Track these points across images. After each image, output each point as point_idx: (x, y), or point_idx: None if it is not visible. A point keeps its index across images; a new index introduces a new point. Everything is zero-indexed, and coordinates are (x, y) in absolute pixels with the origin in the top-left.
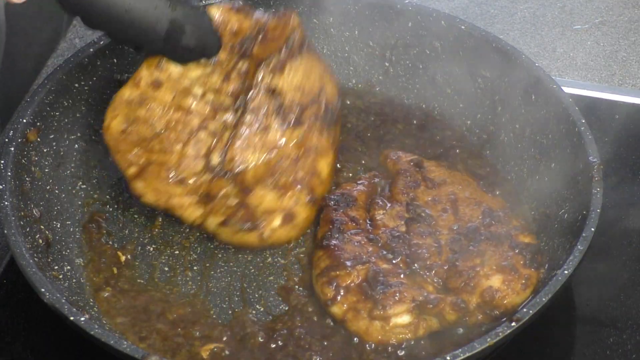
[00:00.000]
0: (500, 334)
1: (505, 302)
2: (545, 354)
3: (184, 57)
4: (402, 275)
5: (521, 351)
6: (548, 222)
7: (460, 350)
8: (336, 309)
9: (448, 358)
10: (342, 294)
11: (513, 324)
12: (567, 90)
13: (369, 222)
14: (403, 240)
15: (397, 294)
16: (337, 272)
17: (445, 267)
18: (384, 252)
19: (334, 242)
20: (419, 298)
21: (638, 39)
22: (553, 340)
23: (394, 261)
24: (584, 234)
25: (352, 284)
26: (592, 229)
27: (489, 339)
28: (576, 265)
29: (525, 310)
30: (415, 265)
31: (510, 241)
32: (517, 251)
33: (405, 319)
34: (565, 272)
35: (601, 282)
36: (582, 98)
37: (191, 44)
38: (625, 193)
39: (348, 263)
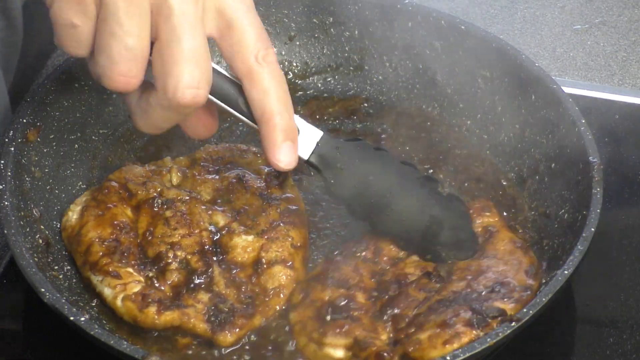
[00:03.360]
0: (500, 334)
1: None
2: (544, 354)
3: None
4: (367, 314)
5: (521, 351)
6: (548, 222)
7: (460, 350)
8: (293, 315)
9: (448, 358)
10: (306, 303)
11: (513, 324)
12: (567, 90)
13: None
14: (399, 286)
15: (345, 327)
16: (316, 285)
17: (407, 320)
18: (373, 288)
19: (339, 257)
20: (360, 338)
21: (638, 39)
22: (553, 340)
23: (372, 299)
24: (584, 234)
25: (319, 301)
26: (592, 229)
27: (489, 339)
28: (576, 265)
29: (525, 310)
30: (389, 311)
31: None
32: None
33: (338, 353)
34: (565, 272)
35: (601, 282)
36: (582, 98)
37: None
38: (625, 193)
39: (329, 281)
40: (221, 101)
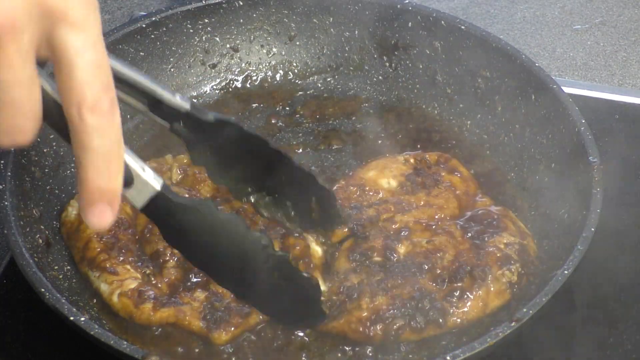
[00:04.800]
0: (500, 334)
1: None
2: (544, 354)
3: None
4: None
5: (522, 351)
6: (548, 222)
7: (460, 350)
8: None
9: (448, 358)
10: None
11: (513, 324)
12: (567, 90)
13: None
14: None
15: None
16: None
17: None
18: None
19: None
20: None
21: (638, 39)
22: (553, 340)
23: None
24: (584, 234)
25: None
26: (592, 229)
27: (488, 339)
28: (576, 265)
29: (525, 310)
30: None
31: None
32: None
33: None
34: (566, 272)
35: (601, 282)
36: (582, 98)
37: None
38: (625, 193)
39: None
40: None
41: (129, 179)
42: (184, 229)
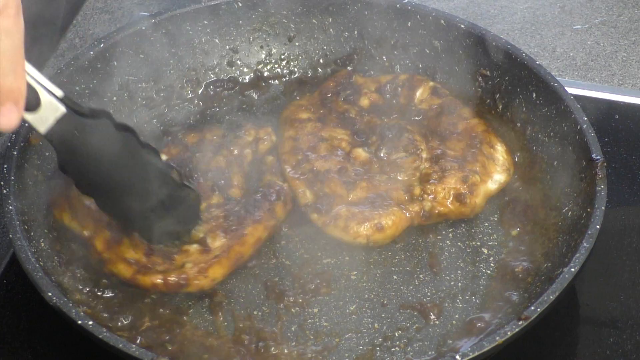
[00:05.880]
0: (509, 332)
1: None
2: (545, 354)
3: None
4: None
5: (522, 351)
6: (552, 220)
7: (469, 349)
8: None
9: (457, 357)
10: None
11: (521, 322)
12: (567, 90)
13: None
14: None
15: None
16: None
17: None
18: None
19: None
20: None
21: (638, 39)
22: (553, 340)
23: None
24: (589, 232)
25: None
26: (598, 226)
27: (497, 338)
28: (582, 263)
29: (532, 308)
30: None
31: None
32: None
33: None
34: (572, 269)
35: (601, 282)
36: (582, 98)
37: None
38: (625, 193)
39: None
40: None
41: (34, 101)
42: (84, 148)
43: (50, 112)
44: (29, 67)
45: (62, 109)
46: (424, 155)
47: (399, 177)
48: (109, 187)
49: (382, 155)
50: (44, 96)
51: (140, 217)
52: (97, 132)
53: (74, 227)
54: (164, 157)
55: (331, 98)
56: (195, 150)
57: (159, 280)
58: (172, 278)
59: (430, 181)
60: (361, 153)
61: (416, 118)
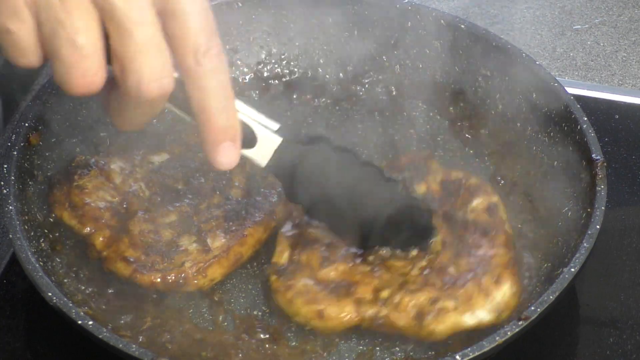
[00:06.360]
0: (509, 332)
1: None
2: (545, 354)
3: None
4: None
5: (522, 351)
6: (551, 220)
7: (469, 349)
8: None
9: (457, 357)
10: None
11: (521, 322)
12: (567, 90)
13: None
14: None
15: None
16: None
17: None
18: None
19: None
20: None
21: (638, 39)
22: (553, 340)
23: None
24: (589, 232)
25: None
26: (598, 227)
27: (497, 338)
28: (582, 263)
29: (532, 308)
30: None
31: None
32: None
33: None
34: (572, 269)
35: (601, 282)
36: (582, 98)
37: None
38: (625, 193)
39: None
40: None
41: (250, 137)
42: (305, 174)
43: (268, 145)
44: (242, 105)
45: (278, 139)
46: (422, 264)
47: (382, 274)
48: (337, 210)
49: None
50: (260, 131)
51: (374, 234)
52: (316, 157)
53: (74, 225)
54: (165, 156)
55: (392, 171)
56: (198, 150)
57: (157, 279)
58: (171, 277)
59: (404, 289)
60: None
61: (456, 223)
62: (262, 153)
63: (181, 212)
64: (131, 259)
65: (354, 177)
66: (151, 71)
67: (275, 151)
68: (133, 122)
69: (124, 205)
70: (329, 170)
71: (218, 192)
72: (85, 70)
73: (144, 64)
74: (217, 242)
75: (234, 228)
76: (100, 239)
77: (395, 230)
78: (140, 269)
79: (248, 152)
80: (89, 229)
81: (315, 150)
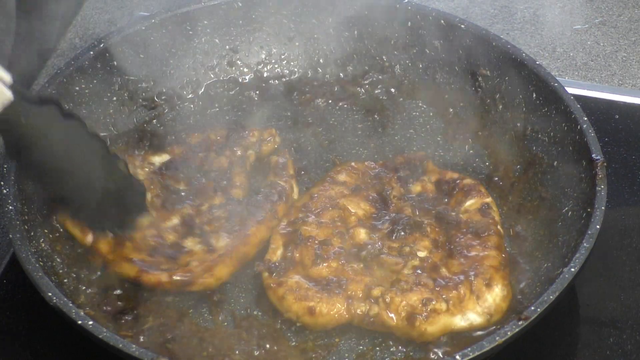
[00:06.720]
0: (509, 332)
1: None
2: (545, 354)
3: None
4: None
5: (522, 351)
6: (552, 220)
7: (469, 349)
8: None
9: (458, 357)
10: None
11: (521, 322)
12: (567, 90)
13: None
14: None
15: None
16: None
17: None
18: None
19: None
20: None
21: (638, 39)
22: (553, 340)
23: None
24: (589, 232)
25: None
26: (598, 227)
27: (497, 338)
28: (582, 263)
29: (532, 308)
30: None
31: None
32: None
33: None
34: (572, 269)
35: (601, 282)
36: (582, 98)
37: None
38: (625, 193)
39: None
40: None
41: None
42: (30, 135)
43: None
44: None
45: (9, 96)
46: (414, 263)
47: (374, 272)
48: (56, 174)
49: (377, 245)
50: None
51: (86, 203)
52: (44, 119)
53: (77, 233)
54: (166, 156)
55: (388, 171)
56: (199, 150)
57: (164, 278)
58: (177, 276)
59: (395, 287)
60: (360, 234)
61: (449, 223)
62: None
63: (183, 214)
64: (136, 260)
65: (77, 146)
66: None
67: (5, 107)
68: None
69: None
70: (54, 134)
71: (219, 193)
72: None
73: None
74: (222, 242)
75: (237, 228)
76: (104, 244)
77: (107, 202)
78: (146, 269)
79: None
80: (92, 236)
81: (43, 113)
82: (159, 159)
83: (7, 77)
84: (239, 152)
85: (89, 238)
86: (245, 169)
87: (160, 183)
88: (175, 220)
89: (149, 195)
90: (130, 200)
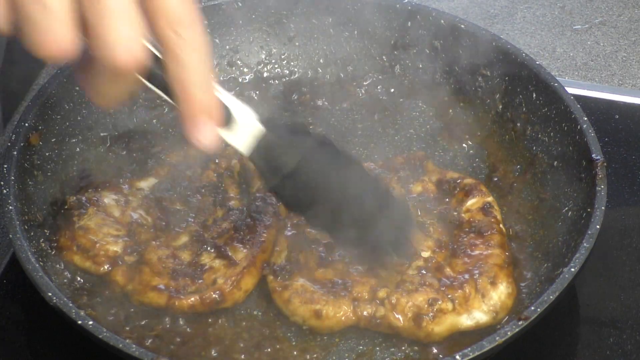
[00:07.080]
0: (509, 332)
1: None
2: (545, 354)
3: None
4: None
5: (522, 351)
6: (551, 220)
7: (469, 349)
8: None
9: (457, 357)
10: None
11: (521, 322)
12: (567, 90)
13: None
14: None
15: None
16: None
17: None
18: None
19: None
20: None
21: (638, 39)
22: (553, 340)
23: None
24: (589, 232)
25: None
26: (598, 227)
27: (497, 338)
28: (582, 263)
29: (532, 308)
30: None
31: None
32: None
33: None
34: (572, 269)
35: (601, 282)
36: (582, 98)
37: None
38: (625, 193)
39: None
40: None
41: (227, 117)
42: (287, 167)
43: (248, 131)
44: (222, 89)
45: (260, 128)
46: (418, 263)
47: (379, 273)
48: (320, 205)
49: None
50: (240, 116)
51: (358, 229)
52: (299, 149)
53: (88, 267)
54: (153, 180)
55: (388, 172)
56: (183, 167)
57: (196, 302)
58: (208, 296)
59: (400, 288)
60: None
61: (451, 223)
62: (243, 139)
63: (190, 231)
64: (162, 287)
65: (336, 171)
66: (122, 38)
67: (258, 140)
68: (109, 97)
69: (132, 237)
70: (312, 163)
71: (219, 206)
72: (55, 34)
73: (115, 31)
74: (240, 253)
75: (248, 237)
76: (120, 274)
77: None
78: (175, 295)
79: (228, 136)
80: (105, 267)
81: (296, 141)
82: (146, 184)
83: (250, 111)
84: (223, 164)
85: (105, 267)
86: (234, 180)
87: (157, 206)
88: (184, 239)
89: (149, 220)
90: (397, 215)
